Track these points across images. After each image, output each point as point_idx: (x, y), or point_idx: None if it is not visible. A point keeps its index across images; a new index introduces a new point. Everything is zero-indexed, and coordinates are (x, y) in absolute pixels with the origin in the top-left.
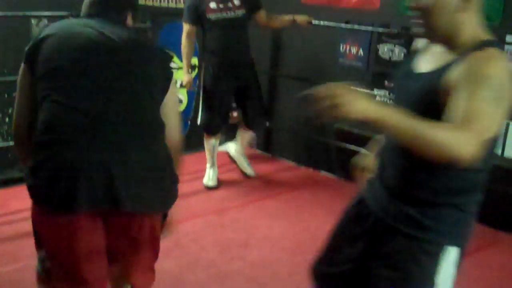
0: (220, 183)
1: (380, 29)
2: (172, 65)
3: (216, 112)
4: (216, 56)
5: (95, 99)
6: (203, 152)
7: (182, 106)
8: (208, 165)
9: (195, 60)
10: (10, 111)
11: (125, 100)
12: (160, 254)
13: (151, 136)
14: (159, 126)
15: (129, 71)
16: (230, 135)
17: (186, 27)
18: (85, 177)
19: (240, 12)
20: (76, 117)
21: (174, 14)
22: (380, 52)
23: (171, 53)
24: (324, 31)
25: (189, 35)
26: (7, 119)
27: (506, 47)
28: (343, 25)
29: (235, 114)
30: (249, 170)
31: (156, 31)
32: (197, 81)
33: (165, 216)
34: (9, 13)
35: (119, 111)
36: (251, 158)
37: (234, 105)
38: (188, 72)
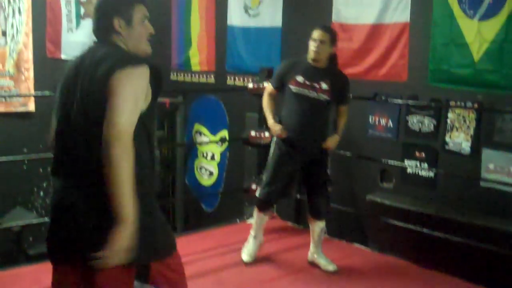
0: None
1: (409, 101)
2: (202, 138)
3: (274, 189)
4: (287, 129)
5: (57, 134)
6: (234, 225)
7: (213, 179)
8: (251, 235)
9: (225, 133)
10: (45, 185)
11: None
12: None
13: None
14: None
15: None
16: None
17: (268, 87)
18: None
19: (323, 97)
20: (56, 153)
21: (204, 89)
22: (409, 123)
23: (204, 127)
24: (353, 103)
25: (269, 93)
26: (41, 193)
27: None
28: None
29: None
30: (331, 267)
31: (187, 105)
32: (227, 153)
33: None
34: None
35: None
36: (282, 231)
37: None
38: (275, 122)
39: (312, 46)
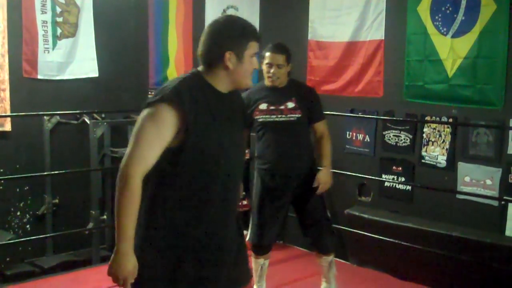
0: None
1: (385, 117)
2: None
3: (266, 233)
4: (265, 164)
5: None
6: None
7: None
8: (255, 282)
9: None
10: (21, 204)
11: None
12: None
13: None
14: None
15: None
16: None
17: None
18: None
19: (294, 116)
20: None
21: None
22: (386, 138)
23: None
24: (330, 119)
25: None
26: (18, 213)
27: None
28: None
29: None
30: None
31: None
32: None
33: None
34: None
35: None
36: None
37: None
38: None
39: (268, 71)
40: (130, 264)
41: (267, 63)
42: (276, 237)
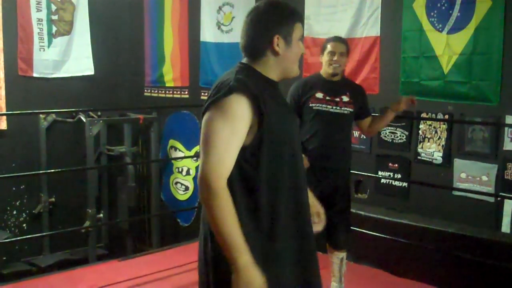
0: None
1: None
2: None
3: None
4: (311, 154)
5: None
6: None
7: (188, 193)
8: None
9: None
10: (18, 203)
11: None
12: None
13: None
14: None
15: None
16: None
17: None
18: None
19: (347, 110)
20: None
21: (179, 105)
22: (382, 135)
23: (178, 142)
24: None
25: None
26: (14, 212)
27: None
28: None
29: None
30: None
31: (161, 121)
32: None
33: None
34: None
35: None
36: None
37: None
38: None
39: (330, 59)
40: (258, 277)
41: (329, 52)
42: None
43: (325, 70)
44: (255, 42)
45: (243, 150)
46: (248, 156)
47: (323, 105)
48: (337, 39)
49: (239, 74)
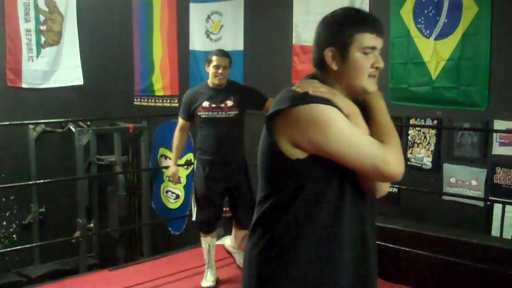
0: (219, 282)
1: None
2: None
3: (208, 211)
4: (205, 154)
5: None
6: (201, 248)
7: (179, 202)
8: (205, 266)
9: (190, 156)
10: (8, 214)
11: None
12: None
13: None
14: None
15: None
16: (227, 228)
17: (179, 121)
18: None
19: (232, 113)
20: None
21: (169, 114)
22: None
23: (169, 151)
24: None
25: (181, 128)
26: (4, 223)
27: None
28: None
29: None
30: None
31: (151, 129)
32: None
33: None
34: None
35: None
36: None
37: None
38: (175, 163)
39: (216, 72)
40: None
41: (214, 65)
42: (218, 219)
43: (211, 80)
44: (314, 54)
45: (305, 163)
46: (308, 169)
47: (209, 113)
48: (221, 54)
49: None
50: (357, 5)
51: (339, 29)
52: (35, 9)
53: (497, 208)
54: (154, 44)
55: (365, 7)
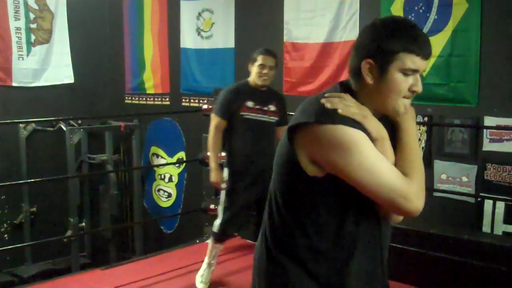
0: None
1: None
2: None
3: (237, 223)
4: (243, 161)
5: None
6: (193, 246)
7: (171, 200)
8: (205, 265)
9: (182, 154)
10: None
11: None
12: None
13: None
14: None
15: None
16: None
17: (215, 120)
18: None
19: (274, 119)
20: None
21: (160, 112)
22: None
23: (160, 149)
24: None
25: (218, 128)
26: None
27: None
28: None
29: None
30: None
31: (143, 128)
32: (184, 175)
33: None
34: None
35: None
36: (243, 249)
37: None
38: (217, 168)
39: (260, 72)
40: None
41: (260, 65)
42: (239, 230)
43: (254, 80)
44: (351, 60)
45: (322, 181)
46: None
47: (253, 114)
48: (268, 53)
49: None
50: (347, 3)
51: (383, 42)
52: (25, 7)
53: (488, 204)
54: (145, 42)
55: (356, 5)
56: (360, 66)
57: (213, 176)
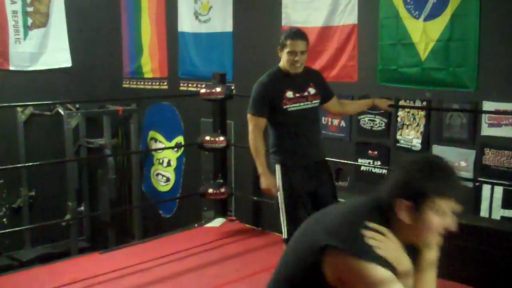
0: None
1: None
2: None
3: (299, 224)
4: (293, 155)
5: None
6: (192, 230)
7: (169, 185)
8: None
9: (180, 138)
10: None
11: None
12: None
13: None
14: None
15: None
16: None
17: (254, 121)
18: None
19: (317, 102)
20: None
21: (158, 96)
22: (361, 123)
23: (159, 133)
24: None
25: (258, 128)
26: None
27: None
28: None
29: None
30: None
31: (141, 112)
32: (183, 159)
33: None
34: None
35: None
36: (242, 233)
37: None
38: (266, 173)
39: (292, 60)
40: None
41: (291, 51)
42: None
43: (285, 67)
44: (383, 191)
45: None
46: None
47: (296, 104)
48: (297, 37)
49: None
50: None
51: (419, 186)
52: None
53: (486, 189)
54: (143, 26)
55: None
56: (393, 202)
57: (264, 182)
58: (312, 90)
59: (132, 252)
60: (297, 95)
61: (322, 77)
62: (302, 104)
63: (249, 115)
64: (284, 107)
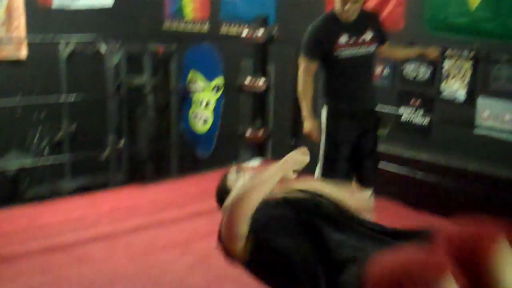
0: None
1: None
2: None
3: (339, 170)
4: (341, 100)
5: None
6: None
7: (207, 126)
8: None
9: (220, 80)
10: (39, 129)
11: None
12: (188, 269)
13: None
14: None
15: None
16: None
17: (305, 63)
18: None
19: (373, 48)
20: None
21: (198, 38)
22: (405, 72)
23: (199, 74)
24: None
25: (308, 71)
26: (36, 137)
27: None
28: None
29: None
30: None
31: (181, 53)
32: (222, 100)
33: None
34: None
35: None
36: None
37: None
38: (310, 117)
39: (343, 8)
40: None
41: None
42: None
43: (339, 12)
44: None
45: None
46: None
47: (350, 50)
48: None
49: None
50: None
51: None
52: None
53: None
54: None
55: None
56: None
57: (307, 126)
58: (369, 35)
59: (169, 187)
60: (352, 39)
61: (380, 21)
62: (356, 50)
63: (300, 58)
64: (337, 51)
